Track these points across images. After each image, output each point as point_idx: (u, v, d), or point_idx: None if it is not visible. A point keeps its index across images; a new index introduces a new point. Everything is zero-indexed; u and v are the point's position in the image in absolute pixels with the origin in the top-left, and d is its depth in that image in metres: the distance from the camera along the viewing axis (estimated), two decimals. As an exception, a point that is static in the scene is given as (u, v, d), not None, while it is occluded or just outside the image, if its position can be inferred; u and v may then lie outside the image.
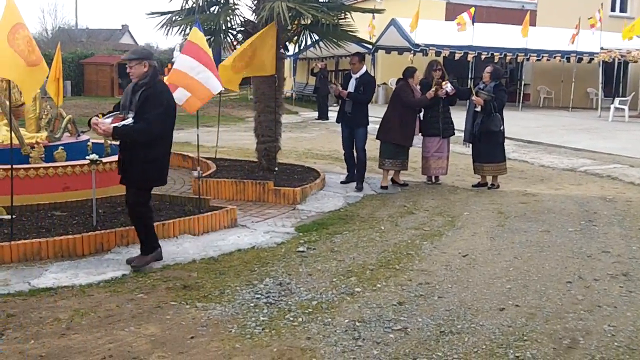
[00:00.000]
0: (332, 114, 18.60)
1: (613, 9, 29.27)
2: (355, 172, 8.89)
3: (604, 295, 4.86)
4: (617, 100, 21.56)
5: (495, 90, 8.81)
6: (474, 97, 8.84)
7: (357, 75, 8.71)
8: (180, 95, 6.32)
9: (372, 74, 24.78)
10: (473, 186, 9.16)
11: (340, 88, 8.75)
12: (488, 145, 8.81)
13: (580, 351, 3.90)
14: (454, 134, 9.23)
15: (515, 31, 23.74)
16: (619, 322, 4.34)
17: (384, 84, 26.49)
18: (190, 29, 7.72)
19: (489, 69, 9.11)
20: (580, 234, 6.65)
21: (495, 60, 23.29)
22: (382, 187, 8.92)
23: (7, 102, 8.10)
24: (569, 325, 4.27)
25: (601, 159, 12.27)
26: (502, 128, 8.83)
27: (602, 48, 21.97)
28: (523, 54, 24.31)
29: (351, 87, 8.68)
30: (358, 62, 8.73)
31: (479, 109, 8.79)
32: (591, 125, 18.82)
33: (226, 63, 7.91)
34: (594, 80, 24.49)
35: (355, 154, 8.91)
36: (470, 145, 9.15)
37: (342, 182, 9.05)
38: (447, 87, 8.75)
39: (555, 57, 24.77)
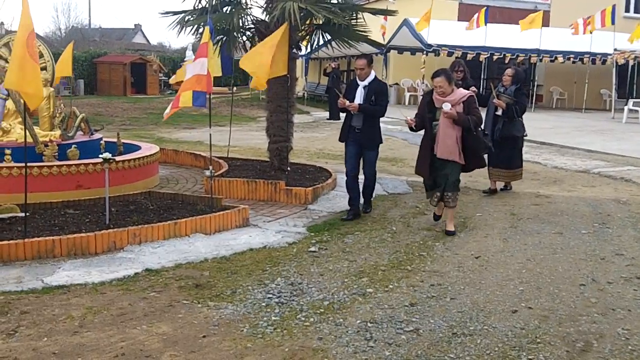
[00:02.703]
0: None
1: (627, 10, 29.01)
2: (362, 194, 7.43)
3: (618, 299, 4.82)
4: (631, 101, 21.38)
5: (516, 93, 8.41)
6: (495, 100, 8.37)
7: (366, 82, 7.12)
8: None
9: (384, 75, 24.81)
10: (484, 192, 9.01)
11: (345, 100, 7.08)
12: (508, 151, 8.44)
13: (593, 354, 3.87)
14: None
15: (528, 31, 23.57)
16: (633, 326, 4.30)
17: (396, 84, 26.45)
18: (203, 28, 7.76)
19: (510, 71, 8.57)
20: (593, 236, 6.61)
21: (507, 61, 23.20)
22: (435, 218, 7.09)
23: (22, 100, 8.16)
24: (583, 329, 4.25)
25: (615, 160, 12.18)
26: (525, 133, 8.57)
27: (615, 49, 21.82)
28: (536, 55, 24.19)
29: (359, 97, 7.10)
30: (367, 67, 7.12)
31: (499, 112, 8.38)
32: (605, 127, 18.69)
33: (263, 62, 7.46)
34: (607, 82, 24.33)
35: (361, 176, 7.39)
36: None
37: (342, 220, 7.11)
38: None
39: (568, 58, 24.63)
